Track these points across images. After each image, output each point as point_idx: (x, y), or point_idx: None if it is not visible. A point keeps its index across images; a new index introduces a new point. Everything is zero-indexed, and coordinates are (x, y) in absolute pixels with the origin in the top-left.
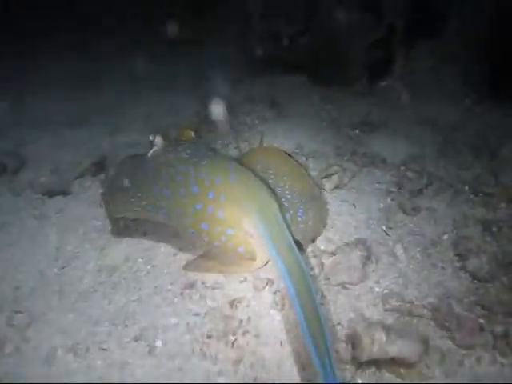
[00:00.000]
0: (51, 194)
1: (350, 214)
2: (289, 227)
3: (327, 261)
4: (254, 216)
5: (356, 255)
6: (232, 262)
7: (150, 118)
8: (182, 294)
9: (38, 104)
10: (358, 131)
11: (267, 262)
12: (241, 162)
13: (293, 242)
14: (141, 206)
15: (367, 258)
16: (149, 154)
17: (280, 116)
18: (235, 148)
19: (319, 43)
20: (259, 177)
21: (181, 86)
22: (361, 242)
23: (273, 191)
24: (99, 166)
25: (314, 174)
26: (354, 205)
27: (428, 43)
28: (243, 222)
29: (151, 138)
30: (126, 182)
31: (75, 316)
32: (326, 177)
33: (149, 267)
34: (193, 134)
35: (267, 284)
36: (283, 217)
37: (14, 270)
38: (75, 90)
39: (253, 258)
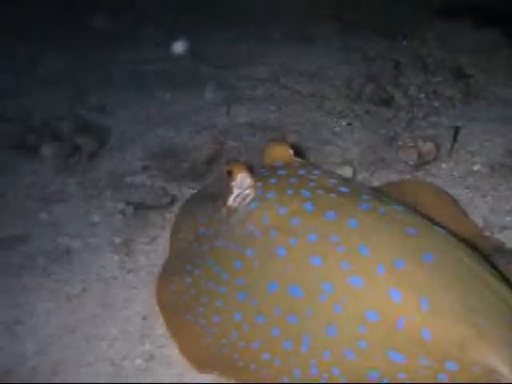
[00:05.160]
0: (140, 205)
1: None
2: None
3: None
4: (501, 339)
5: None
6: None
7: (283, 78)
8: None
9: (131, 50)
10: None
11: None
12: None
13: None
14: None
15: None
16: (230, 205)
17: (470, 96)
18: (411, 147)
19: None
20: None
21: (323, 34)
22: None
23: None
24: (212, 162)
25: None
26: None
27: None
28: (479, 350)
29: (227, 169)
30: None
31: None
32: None
33: None
34: (291, 151)
35: None
36: None
37: (76, 353)
38: (182, 28)
39: None
